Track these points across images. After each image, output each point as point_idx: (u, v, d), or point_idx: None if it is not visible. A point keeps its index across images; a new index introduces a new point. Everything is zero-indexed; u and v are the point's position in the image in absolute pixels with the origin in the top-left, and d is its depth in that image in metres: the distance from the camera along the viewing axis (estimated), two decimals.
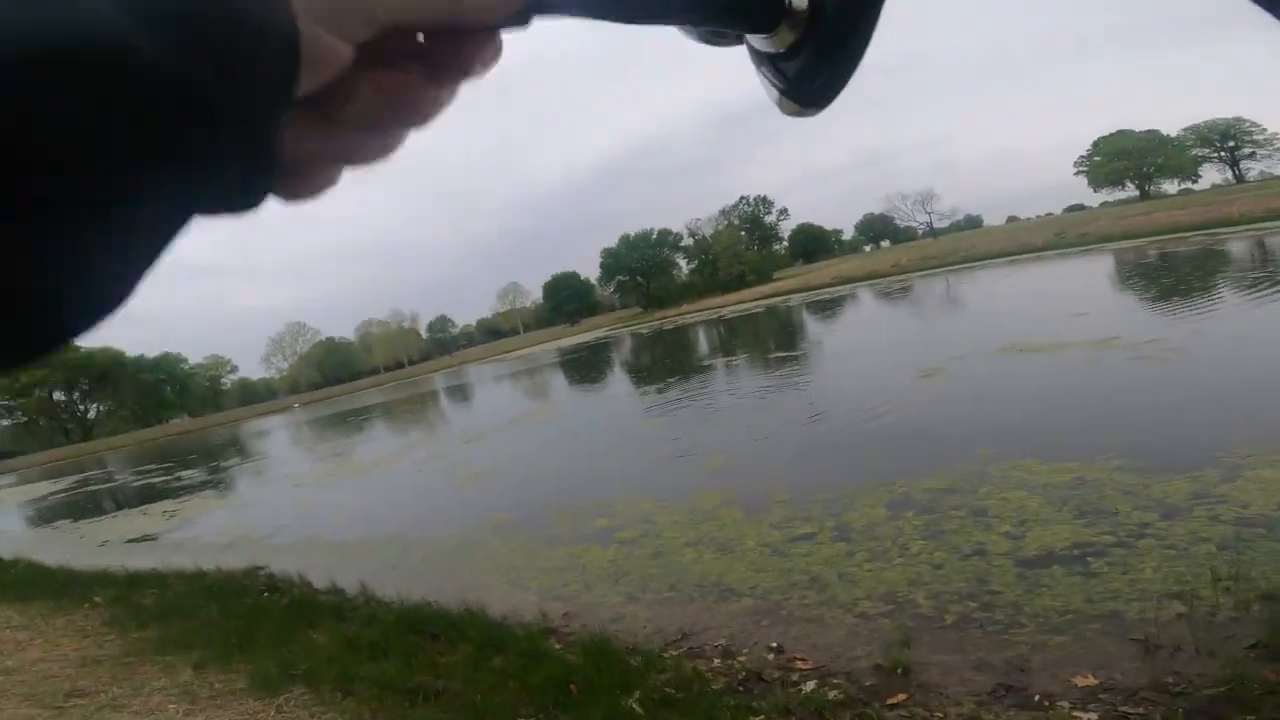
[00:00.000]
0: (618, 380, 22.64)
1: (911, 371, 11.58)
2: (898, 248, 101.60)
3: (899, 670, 3.49)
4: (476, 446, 14.35)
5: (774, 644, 4.09)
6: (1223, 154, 79.00)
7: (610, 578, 5.70)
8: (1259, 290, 14.01)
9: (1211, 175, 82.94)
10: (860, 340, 19.06)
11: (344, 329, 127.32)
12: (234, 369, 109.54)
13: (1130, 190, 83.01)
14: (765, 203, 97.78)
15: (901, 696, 3.26)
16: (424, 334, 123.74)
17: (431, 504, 9.98)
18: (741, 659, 3.96)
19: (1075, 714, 2.87)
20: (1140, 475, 5.56)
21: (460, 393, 34.60)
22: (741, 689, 3.59)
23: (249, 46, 0.23)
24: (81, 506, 19.98)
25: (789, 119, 0.41)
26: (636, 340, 41.11)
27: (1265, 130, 75.71)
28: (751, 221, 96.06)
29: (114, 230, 0.22)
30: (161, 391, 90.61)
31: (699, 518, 6.71)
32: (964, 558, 4.76)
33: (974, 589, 4.31)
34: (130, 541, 11.92)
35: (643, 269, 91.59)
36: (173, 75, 0.21)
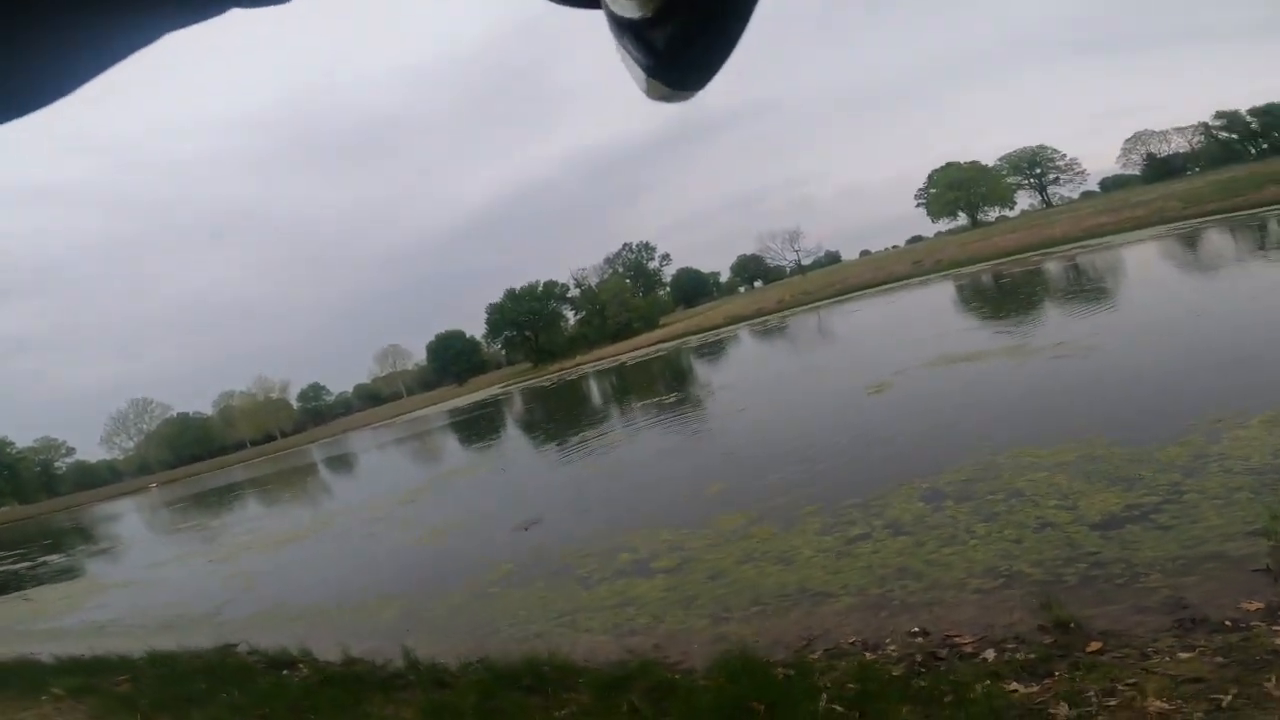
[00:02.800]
0: (549, 428, 22.08)
1: (860, 388, 12.16)
2: (772, 286, 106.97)
3: (1070, 625, 3.60)
4: (417, 506, 13.41)
5: (914, 629, 4.14)
6: (1032, 180, 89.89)
7: (678, 605, 5.48)
8: (1117, 294, 16.11)
9: (1024, 201, 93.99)
10: (791, 369, 19.81)
11: (199, 403, 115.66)
12: (69, 451, 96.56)
13: (962, 219, 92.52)
14: (648, 249, 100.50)
15: (1096, 645, 3.37)
16: (295, 403, 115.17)
17: (403, 562, 9.17)
18: (892, 648, 3.96)
19: (1276, 628, 3.07)
20: (1136, 447, 6.16)
21: (356, 460, 32.38)
22: (924, 669, 3.58)
23: None
24: None
25: (655, 103, 0.35)
26: (541, 393, 40.44)
27: (1065, 155, 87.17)
28: (635, 268, 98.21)
29: None
30: None
31: (733, 538, 6.63)
32: (1036, 531, 5.07)
33: (1070, 554, 4.59)
34: (31, 630, 10.02)
35: (530, 322, 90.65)
36: None
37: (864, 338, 22.27)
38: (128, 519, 31.84)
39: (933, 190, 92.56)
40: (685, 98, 0.33)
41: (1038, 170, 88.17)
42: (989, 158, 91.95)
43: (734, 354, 30.06)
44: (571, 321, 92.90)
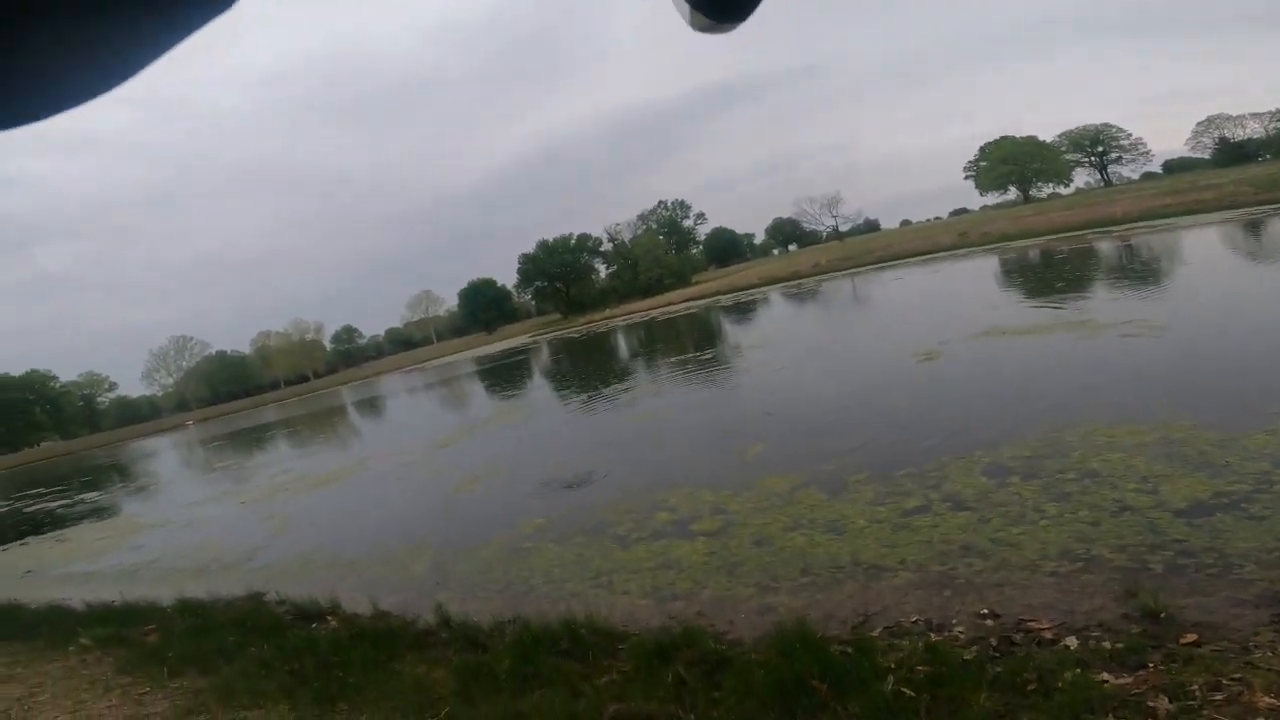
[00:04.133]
0: (580, 380, 21.89)
1: (907, 355, 11.68)
2: (807, 250, 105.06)
3: (1160, 615, 3.33)
4: (453, 451, 13.37)
5: (983, 611, 3.88)
6: (1092, 159, 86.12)
7: (721, 570, 5.23)
8: (1185, 276, 15.18)
9: (1080, 180, 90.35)
10: (830, 332, 19.29)
11: (237, 342, 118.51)
12: (112, 386, 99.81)
13: (1012, 194, 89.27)
14: (683, 207, 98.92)
15: (1191, 637, 3.10)
16: (329, 345, 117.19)
17: (434, 511, 9.09)
18: (960, 629, 3.70)
19: None
20: (1220, 432, 5.70)
21: (388, 404, 32.70)
22: (999, 654, 3.33)
23: None
24: None
25: (700, 35, 0.37)
26: (570, 344, 40.28)
27: (1130, 135, 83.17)
28: (670, 225, 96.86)
29: None
30: (30, 412, 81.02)
31: (778, 503, 6.35)
32: (1115, 514, 4.71)
33: (1155, 540, 4.25)
34: (65, 573, 10.21)
35: (562, 274, 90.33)
36: None
37: (908, 305, 21.46)
38: (165, 456, 32.78)
39: (983, 163, 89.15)
40: (727, 29, 0.35)
41: (1099, 148, 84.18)
42: (1040, 133, 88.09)
43: (769, 314, 29.47)
44: (603, 275, 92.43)
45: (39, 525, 16.26)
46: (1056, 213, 48.16)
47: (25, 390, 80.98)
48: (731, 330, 26.36)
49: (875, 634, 3.87)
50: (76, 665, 5.02)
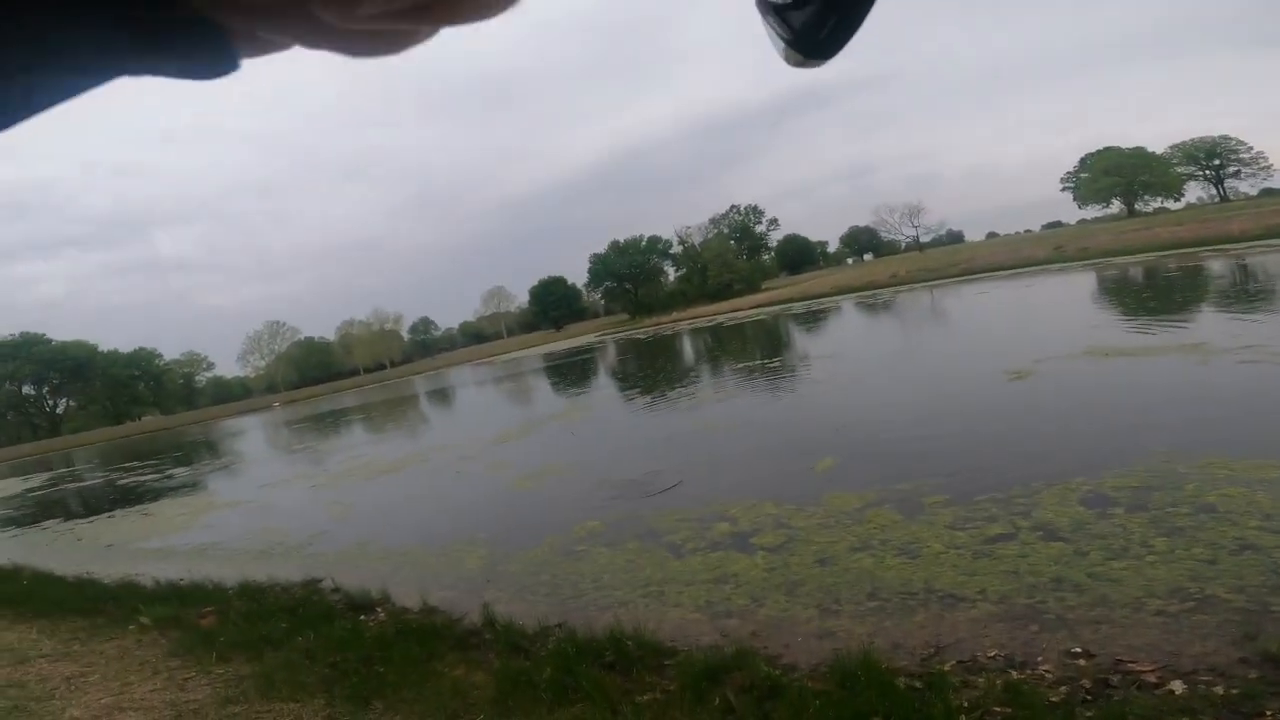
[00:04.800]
0: (645, 382, 21.70)
1: (996, 373, 10.92)
2: (883, 260, 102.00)
3: None
4: (512, 447, 13.39)
5: (1075, 649, 3.49)
6: (1207, 172, 79.94)
7: (781, 589, 4.88)
8: None
9: (1191, 195, 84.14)
10: (911, 345, 18.41)
11: (324, 329, 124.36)
12: (210, 366, 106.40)
13: (1114, 207, 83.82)
14: (756, 212, 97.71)
15: None
16: (406, 335, 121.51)
17: (490, 507, 9.03)
18: (1046, 668, 3.32)
19: None
20: None
21: (456, 396, 33.41)
22: (1091, 697, 2.97)
23: None
24: (67, 506, 18.56)
25: (792, 69, 0.39)
26: (636, 345, 40.19)
27: (1251, 149, 76.56)
28: (742, 230, 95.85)
29: None
30: (134, 387, 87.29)
31: (846, 521, 5.93)
32: (1234, 553, 4.19)
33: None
34: (141, 548, 10.70)
35: (631, 275, 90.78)
36: None
37: (996, 321, 20.25)
38: (251, 436, 34.48)
39: (1084, 174, 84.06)
40: (819, 64, 0.37)
41: (1216, 161, 77.97)
42: (1149, 144, 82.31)
43: (844, 325, 28.54)
44: (671, 278, 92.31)
45: (128, 498, 17.23)
46: (1164, 228, 44.85)
47: (132, 366, 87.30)
48: (803, 339, 25.63)
49: (947, 668, 3.52)
50: (132, 646, 5.10)
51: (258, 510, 12.17)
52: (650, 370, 24.82)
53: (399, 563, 7.17)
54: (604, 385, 23.39)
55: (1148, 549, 4.45)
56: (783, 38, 0.37)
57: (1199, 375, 8.79)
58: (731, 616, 4.62)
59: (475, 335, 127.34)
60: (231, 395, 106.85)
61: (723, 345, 29.28)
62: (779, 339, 26.96)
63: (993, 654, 3.61)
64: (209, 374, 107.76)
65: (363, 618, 5.12)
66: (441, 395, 34.86)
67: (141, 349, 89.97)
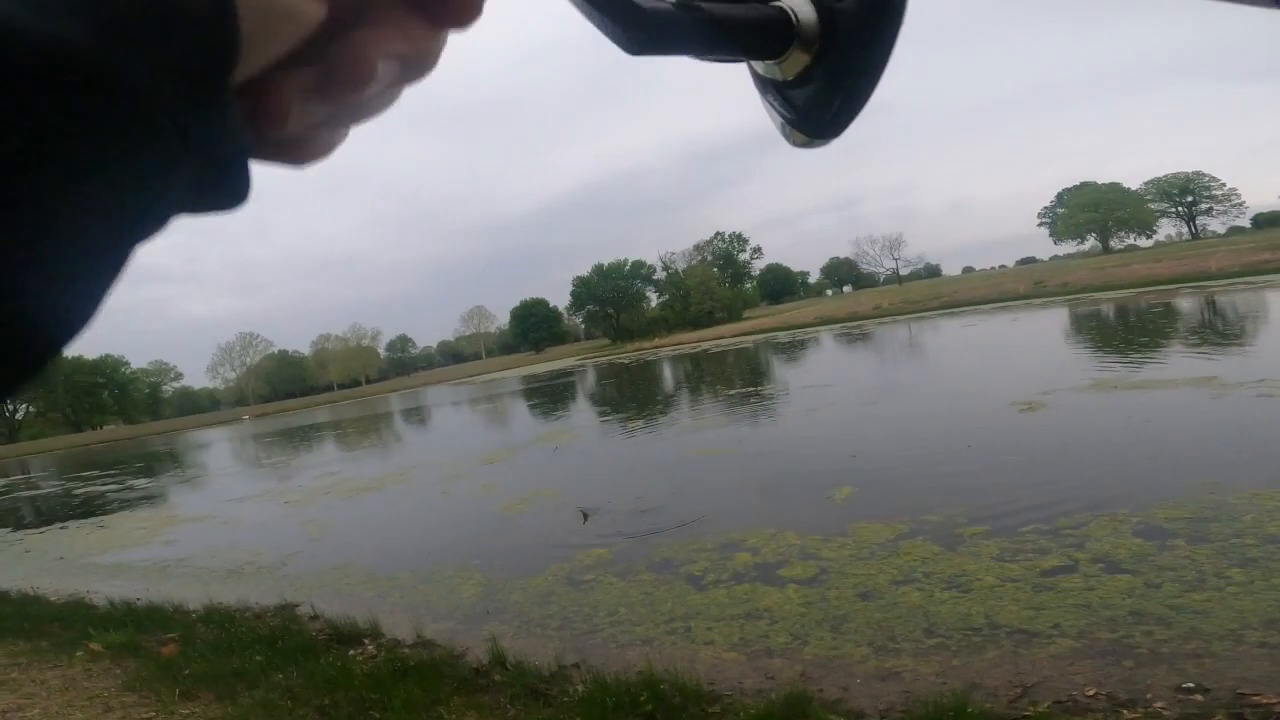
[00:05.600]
0: (634, 406, 21.18)
1: (1005, 405, 10.63)
2: (865, 292, 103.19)
3: None
4: (500, 468, 12.78)
5: (1186, 684, 3.18)
6: (1180, 209, 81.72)
7: (824, 625, 4.41)
8: None
9: (1161, 233, 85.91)
10: (909, 376, 18.14)
11: (298, 343, 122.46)
12: (178, 376, 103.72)
13: (1089, 243, 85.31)
14: (740, 240, 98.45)
15: None
16: (383, 353, 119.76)
17: (481, 530, 8.43)
18: (1160, 704, 3.01)
19: None
20: None
21: (437, 415, 32.58)
22: None
23: (154, 20, 0.19)
24: (18, 515, 17.44)
25: (794, 149, 0.38)
26: (620, 370, 39.71)
27: (1224, 185, 78.06)
28: (725, 258, 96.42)
29: (51, 247, 0.19)
30: (98, 395, 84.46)
31: (880, 553, 5.49)
32: None
33: None
34: (95, 563, 9.86)
35: (613, 300, 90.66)
36: (59, 51, 0.17)
37: (989, 353, 20.07)
38: (218, 448, 33.26)
39: (1061, 210, 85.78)
40: (822, 144, 0.35)
41: (1189, 198, 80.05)
42: (1123, 181, 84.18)
43: (834, 355, 28.37)
44: (654, 304, 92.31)
45: (84, 509, 16.23)
46: (1142, 264, 45.86)
47: (97, 373, 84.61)
48: (794, 368, 25.37)
49: (1043, 709, 3.16)
50: (80, 675, 4.42)
51: (225, 526, 11.39)
52: (640, 395, 24.33)
53: (385, 588, 6.55)
54: (593, 409, 22.84)
55: (1225, 580, 4.16)
56: (785, 117, 0.35)
57: (1217, 409, 8.57)
58: (773, 655, 4.14)
59: (454, 355, 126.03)
60: (199, 407, 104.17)
61: (712, 371, 28.93)
62: (769, 367, 26.68)
63: (1091, 693, 3.27)
64: (177, 384, 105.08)
65: (351, 652, 4.51)
66: (421, 414, 33.97)
67: (108, 356, 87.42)
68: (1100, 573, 4.56)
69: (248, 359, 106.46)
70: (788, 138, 0.36)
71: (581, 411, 22.15)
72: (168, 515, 13.34)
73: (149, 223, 0.22)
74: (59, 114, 0.17)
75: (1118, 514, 5.50)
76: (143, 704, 3.82)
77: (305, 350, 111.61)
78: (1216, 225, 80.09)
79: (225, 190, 0.24)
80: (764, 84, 0.36)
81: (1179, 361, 12.57)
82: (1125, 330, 20.61)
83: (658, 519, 7.45)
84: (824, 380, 18.52)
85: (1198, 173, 79.95)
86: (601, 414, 20.17)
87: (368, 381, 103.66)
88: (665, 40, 0.30)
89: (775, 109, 0.36)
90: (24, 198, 0.17)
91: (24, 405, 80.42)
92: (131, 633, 5.11)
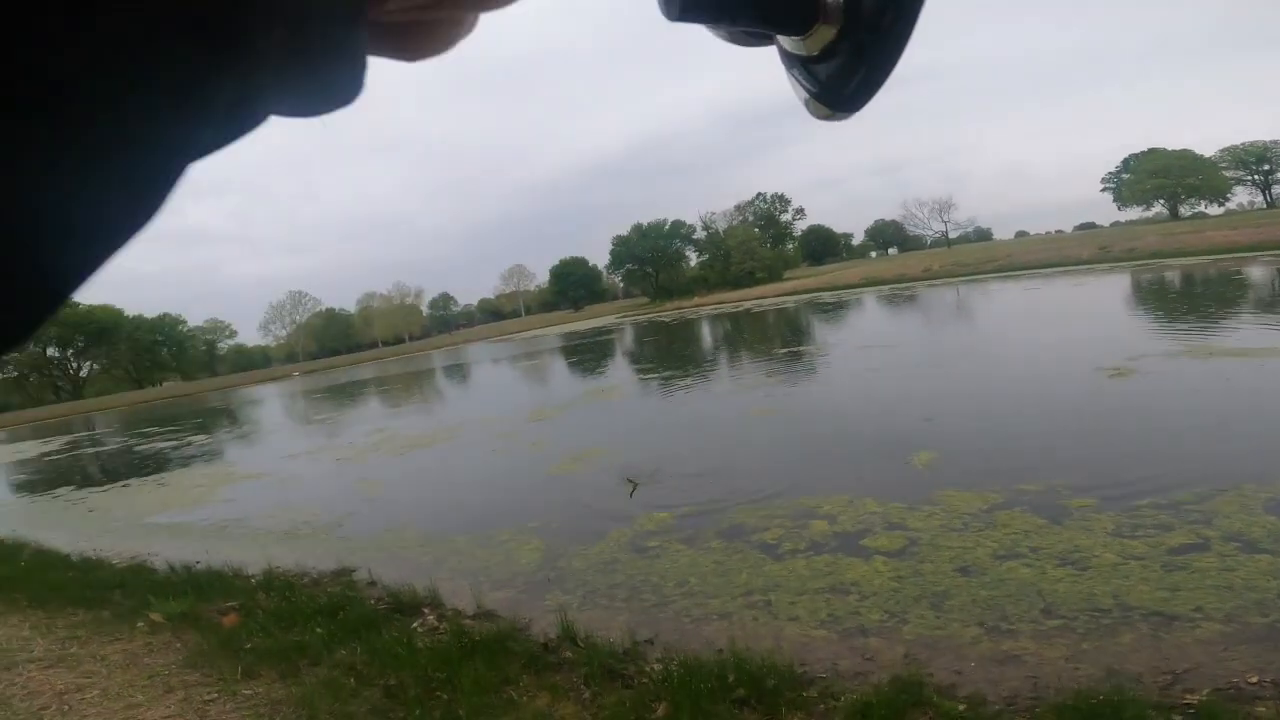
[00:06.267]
0: (683, 364, 20.74)
1: (1090, 370, 9.89)
2: (910, 254, 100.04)
3: None
4: (549, 426, 12.57)
5: None
6: (1256, 177, 77.26)
7: (923, 602, 4.02)
8: None
9: (1233, 201, 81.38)
10: (976, 338, 17.28)
11: (345, 301, 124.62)
12: (233, 333, 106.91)
13: (1155, 210, 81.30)
14: (782, 200, 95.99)
15: None
16: (425, 311, 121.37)
17: (535, 491, 8.20)
18: None
19: None
20: None
21: (480, 372, 32.67)
22: None
23: None
24: (82, 472, 18.00)
25: (817, 121, 0.38)
26: (663, 328, 39.17)
27: None
28: (767, 219, 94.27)
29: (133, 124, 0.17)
30: (158, 352, 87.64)
31: (975, 524, 5.04)
32: None
33: None
34: (155, 523, 9.97)
35: (653, 259, 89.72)
36: None
37: (1061, 318, 18.90)
38: (271, 404, 34.04)
39: (1127, 175, 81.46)
40: (845, 118, 0.36)
41: (1266, 167, 75.30)
42: (1195, 148, 79.43)
43: (886, 315, 27.38)
44: (694, 263, 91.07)
45: (146, 466, 16.64)
46: (1216, 231, 43.05)
47: (156, 332, 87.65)
48: (848, 328, 24.53)
49: (1199, 697, 2.81)
50: (140, 650, 4.25)
51: (280, 484, 11.45)
52: (687, 353, 23.89)
53: (441, 553, 6.34)
54: (638, 366, 22.48)
55: None
56: (808, 90, 0.36)
57: None
58: (868, 634, 3.77)
59: (493, 312, 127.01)
60: (252, 363, 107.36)
61: (760, 330, 28.27)
62: (820, 326, 25.90)
63: (1254, 680, 2.92)
64: (231, 341, 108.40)
65: (414, 624, 4.27)
66: (463, 371, 34.15)
67: (166, 314, 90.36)
68: (1237, 552, 4.08)
69: (297, 316, 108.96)
70: (811, 111, 0.37)
71: (626, 368, 21.83)
72: (225, 472, 13.51)
73: (229, 124, 0.19)
74: None
75: (1244, 489, 4.94)
76: (205, 683, 3.62)
77: (351, 308, 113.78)
78: None
79: (332, 84, 0.21)
80: (790, 59, 0.36)
81: (1275, 329, 11.57)
82: (1203, 297, 19.26)
83: (724, 485, 7.08)
84: (882, 340, 17.80)
85: (1276, 141, 75.04)
86: (648, 372, 19.80)
87: (411, 339, 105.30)
88: (703, 8, 0.32)
89: (800, 83, 0.36)
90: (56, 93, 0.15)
91: (88, 363, 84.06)
92: (192, 601, 4.96)
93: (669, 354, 24.52)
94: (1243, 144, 76.62)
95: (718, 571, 4.92)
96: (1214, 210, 79.48)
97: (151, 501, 11.52)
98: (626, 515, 6.47)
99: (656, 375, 18.08)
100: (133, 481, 14.23)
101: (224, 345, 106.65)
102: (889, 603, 4.09)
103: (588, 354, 29.30)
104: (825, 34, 0.33)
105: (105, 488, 14.08)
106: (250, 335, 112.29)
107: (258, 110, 0.19)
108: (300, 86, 0.20)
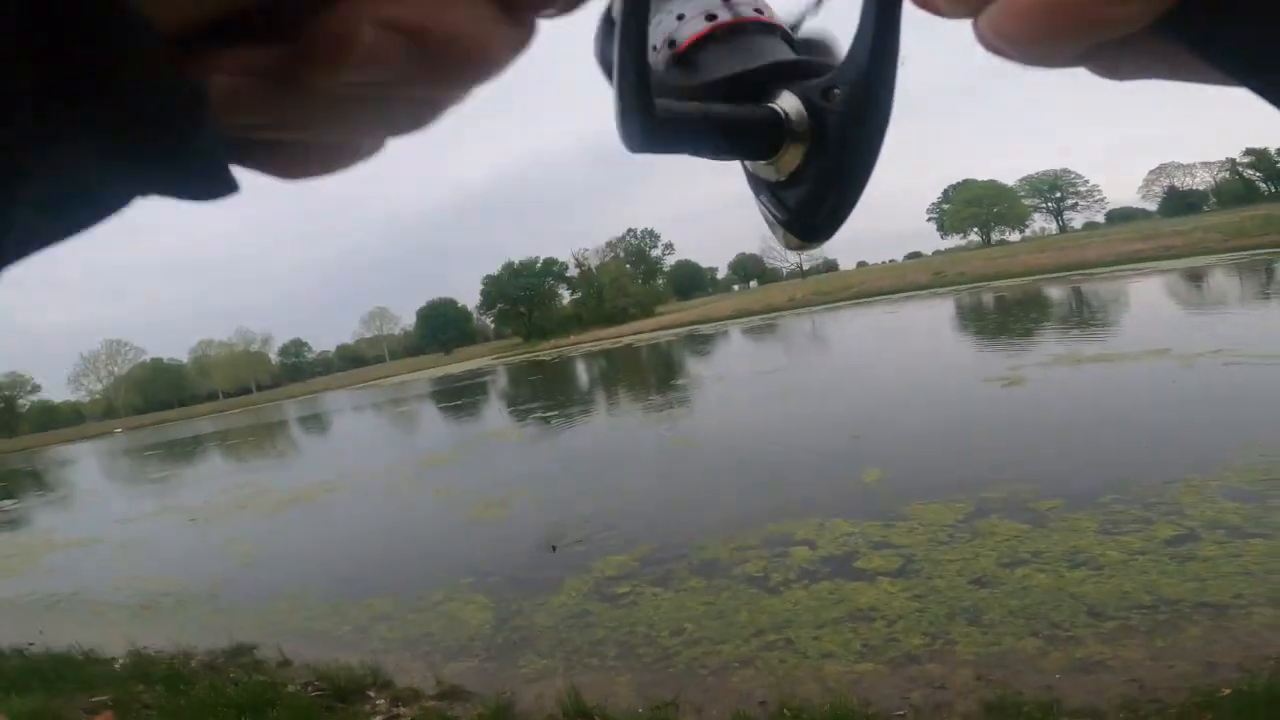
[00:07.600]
0: (576, 402, 20.04)
1: (980, 381, 10.45)
2: (772, 285, 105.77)
3: None
4: (448, 471, 11.51)
5: None
6: (1049, 204, 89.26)
7: (957, 619, 3.75)
8: (1233, 308, 14.57)
9: (1034, 226, 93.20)
10: (860, 360, 17.99)
11: (175, 350, 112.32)
12: (35, 389, 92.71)
13: (973, 237, 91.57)
14: (652, 236, 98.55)
15: None
16: (275, 358, 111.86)
17: (455, 542, 7.29)
18: None
19: None
20: None
21: (344, 420, 30.19)
22: None
23: None
24: None
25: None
26: (542, 367, 38.32)
27: (1087, 182, 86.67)
28: (637, 254, 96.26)
29: None
30: None
31: (961, 536, 4.91)
32: None
33: None
34: None
35: (525, 298, 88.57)
36: None
37: (927, 336, 20.28)
38: (90, 464, 29.47)
39: (947, 205, 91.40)
40: (816, 245, 0.36)
41: (1057, 194, 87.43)
42: (999, 177, 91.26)
43: (766, 343, 28.30)
44: (566, 301, 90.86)
45: None
46: (1028, 255, 48.86)
47: None
48: (736, 356, 25.01)
49: None
50: None
51: (120, 550, 9.58)
52: (575, 391, 23.28)
53: (361, 621, 5.33)
54: (531, 405, 21.52)
55: None
56: (778, 219, 0.35)
57: (1190, 378, 8.62)
58: (920, 661, 3.42)
59: (354, 359, 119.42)
60: (61, 421, 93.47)
61: (648, 364, 28.22)
62: (708, 357, 26.25)
63: None
64: (34, 397, 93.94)
65: (368, 714, 3.37)
66: (329, 419, 31.35)
67: None
68: (1229, 539, 4.16)
69: (115, 368, 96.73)
70: (781, 240, 0.36)
71: (513, 410, 20.80)
72: (44, 540, 11.19)
73: (85, 209, 0.20)
74: None
75: (1192, 480, 5.15)
76: None
77: (183, 358, 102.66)
78: (1078, 220, 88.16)
79: (198, 182, 0.20)
80: (758, 184, 0.36)
81: (1117, 337, 12.90)
82: (1040, 313, 21.41)
83: (672, 518, 6.59)
84: (774, 366, 18.19)
85: (1065, 170, 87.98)
86: (547, 409, 18.92)
87: (258, 388, 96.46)
88: (669, 141, 0.31)
89: (769, 210, 0.35)
90: None
91: None
92: (42, 697, 3.71)
93: (561, 391, 23.76)
94: (1037, 173, 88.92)
95: (711, 613, 4.40)
96: (1015, 236, 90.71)
97: None
98: (578, 563, 5.78)
99: (555, 413, 17.29)
100: None
101: (25, 402, 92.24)
102: (921, 624, 3.76)
103: (471, 396, 27.83)
104: (794, 155, 0.32)
105: None
106: (58, 391, 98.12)
107: (109, 195, 0.19)
108: (172, 183, 0.20)
